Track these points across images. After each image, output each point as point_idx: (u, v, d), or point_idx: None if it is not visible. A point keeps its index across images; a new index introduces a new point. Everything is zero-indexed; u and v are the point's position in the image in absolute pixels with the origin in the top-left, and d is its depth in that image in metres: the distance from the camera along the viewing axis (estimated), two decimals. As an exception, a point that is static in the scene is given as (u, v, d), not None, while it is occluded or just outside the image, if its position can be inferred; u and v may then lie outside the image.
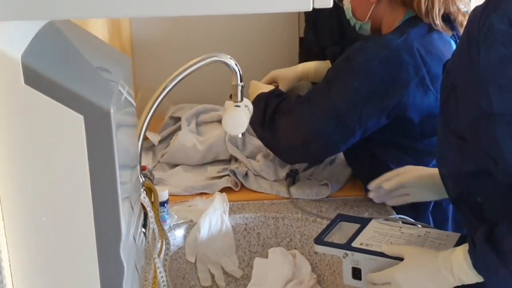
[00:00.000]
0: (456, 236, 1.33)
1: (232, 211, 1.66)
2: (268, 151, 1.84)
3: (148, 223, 1.13)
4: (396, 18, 1.60)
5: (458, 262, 1.17)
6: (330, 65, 1.95)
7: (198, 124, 2.04)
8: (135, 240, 0.96)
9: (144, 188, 1.18)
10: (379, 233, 1.35)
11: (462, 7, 1.60)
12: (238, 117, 1.28)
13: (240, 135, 1.37)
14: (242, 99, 1.28)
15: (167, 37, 2.39)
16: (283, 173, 1.80)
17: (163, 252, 1.28)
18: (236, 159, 1.90)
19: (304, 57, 2.19)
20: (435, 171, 1.37)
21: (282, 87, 1.90)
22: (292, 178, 1.77)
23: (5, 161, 0.78)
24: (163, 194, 1.53)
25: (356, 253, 1.29)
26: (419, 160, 1.63)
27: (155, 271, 1.19)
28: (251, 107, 1.32)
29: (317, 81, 1.94)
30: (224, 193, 1.69)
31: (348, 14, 1.66)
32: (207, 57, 1.24)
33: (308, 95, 1.67)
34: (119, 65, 0.96)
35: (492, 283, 1.16)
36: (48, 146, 0.78)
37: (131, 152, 0.97)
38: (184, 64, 1.26)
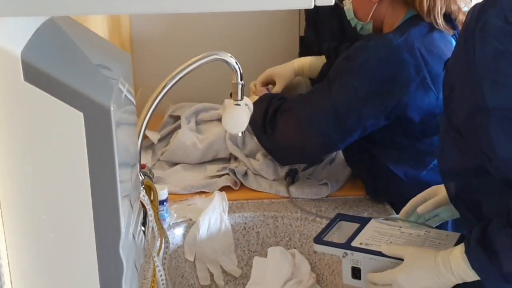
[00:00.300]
0: (455, 235, 1.32)
1: (231, 210, 1.65)
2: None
3: (147, 221, 1.13)
4: (398, 17, 1.60)
5: (457, 263, 1.17)
6: (325, 60, 1.96)
7: (197, 123, 2.04)
8: (134, 239, 0.95)
9: (143, 186, 1.17)
10: (378, 233, 1.35)
11: (463, 6, 1.59)
12: (238, 116, 1.28)
13: (240, 134, 1.37)
14: (242, 98, 1.28)
15: (167, 34, 2.38)
16: (282, 172, 1.79)
17: (162, 250, 1.27)
18: (235, 158, 1.89)
19: (304, 56, 2.18)
20: None
21: (279, 85, 1.90)
22: (291, 178, 1.77)
23: (4, 158, 0.78)
24: (162, 192, 1.53)
25: (355, 253, 1.29)
26: (419, 160, 1.63)
27: (154, 270, 1.19)
28: (251, 105, 1.31)
29: (312, 76, 1.94)
30: (223, 192, 1.69)
31: (350, 15, 1.66)
32: (207, 55, 1.23)
33: (309, 94, 1.67)
34: (119, 62, 0.96)
35: (488, 283, 1.16)
36: (47, 144, 0.77)
37: (130, 150, 0.96)
38: (184, 61, 1.25)
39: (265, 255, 1.60)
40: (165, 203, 1.55)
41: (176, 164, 1.90)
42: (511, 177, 1.08)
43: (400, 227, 1.38)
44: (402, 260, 1.24)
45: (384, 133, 1.62)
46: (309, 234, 1.62)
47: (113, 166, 0.80)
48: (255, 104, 1.71)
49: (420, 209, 1.41)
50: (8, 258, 0.82)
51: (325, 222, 1.56)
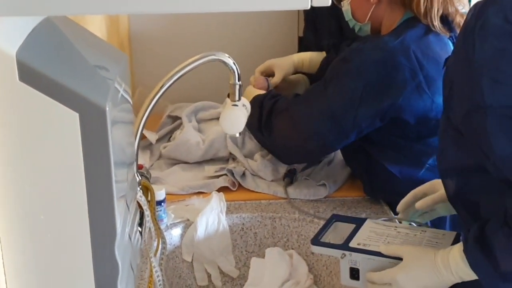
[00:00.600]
0: (452, 234, 1.32)
1: (229, 211, 1.65)
2: (266, 151, 1.84)
3: (144, 222, 1.13)
4: (396, 19, 1.60)
5: (456, 262, 1.17)
6: (325, 56, 1.96)
7: (197, 122, 2.04)
8: (130, 239, 0.95)
9: (140, 187, 1.17)
10: (375, 233, 1.35)
11: (461, 8, 1.59)
12: (236, 116, 1.28)
13: (237, 134, 1.36)
14: (240, 98, 1.28)
15: (165, 34, 2.38)
16: (280, 173, 1.79)
17: (159, 251, 1.27)
18: (234, 159, 1.89)
19: (302, 56, 2.19)
20: None
21: (278, 75, 1.90)
22: (289, 178, 1.77)
23: (-1, 158, 0.77)
24: (160, 193, 1.52)
25: (354, 253, 1.28)
26: (416, 160, 1.63)
27: (151, 270, 1.19)
28: (249, 106, 1.31)
29: (311, 71, 1.94)
30: (221, 193, 1.68)
31: (348, 16, 1.65)
32: (205, 55, 1.23)
33: (304, 95, 1.67)
34: (115, 62, 0.95)
35: (486, 282, 1.16)
36: (42, 144, 0.77)
37: (127, 151, 0.96)
38: (182, 61, 1.25)
39: (262, 256, 1.60)
40: (162, 203, 1.55)
41: (175, 162, 1.90)
42: (509, 176, 1.08)
43: (396, 227, 1.38)
44: (401, 260, 1.24)
45: (381, 134, 1.62)
46: (307, 235, 1.62)
47: (109, 166, 0.79)
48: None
49: (418, 205, 1.41)
50: (2, 258, 0.82)
51: (323, 223, 1.56)
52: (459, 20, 1.57)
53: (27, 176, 0.78)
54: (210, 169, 1.83)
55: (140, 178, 1.19)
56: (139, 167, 1.25)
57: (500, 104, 1.06)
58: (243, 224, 1.65)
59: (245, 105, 1.30)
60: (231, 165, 1.84)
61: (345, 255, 1.29)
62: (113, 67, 0.92)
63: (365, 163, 1.69)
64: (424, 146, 1.61)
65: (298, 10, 2.34)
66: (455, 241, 1.29)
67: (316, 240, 1.35)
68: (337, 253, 1.30)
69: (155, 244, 1.26)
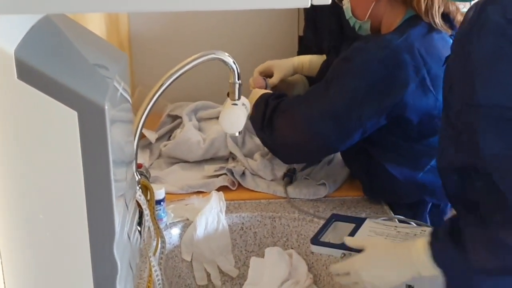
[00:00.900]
0: None
1: (228, 210, 1.65)
2: (266, 150, 1.84)
3: (143, 221, 1.12)
4: (397, 17, 1.59)
5: (418, 253, 1.18)
6: (325, 59, 1.96)
7: (197, 121, 2.04)
8: (129, 238, 0.95)
9: (140, 186, 1.17)
10: (375, 232, 1.35)
11: (462, 7, 1.59)
12: (235, 115, 1.27)
13: (237, 134, 1.36)
14: (239, 97, 1.27)
15: (165, 33, 2.38)
16: (280, 172, 1.79)
17: (158, 250, 1.27)
18: (233, 158, 1.89)
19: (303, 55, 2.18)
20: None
21: (276, 76, 1.90)
22: (289, 178, 1.76)
23: (-3, 157, 0.77)
24: (159, 192, 1.52)
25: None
26: (416, 161, 1.63)
27: (150, 270, 1.19)
28: (248, 105, 1.31)
29: (311, 74, 1.94)
30: (221, 192, 1.68)
31: (348, 13, 1.65)
32: (204, 54, 1.23)
33: (306, 95, 1.67)
34: (115, 61, 0.95)
35: (448, 277, 1.16)
36: (41, 142, 0.77)
37: (126, 149, 0.96)
38: (182, 60, 1.25)
39: (262, 255, 1.59)
40: (162, 202, 1.55)
41: (175, 161, 1.90)
42: (493, 175, 1.08)
43: (396, 226, 1.38)
44: None
45: (381, 134, 1.61)
46: (307, 234, 1.61)
47: (107, 165, 0.79)
48: (254, 105, 1.71)
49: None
50: (1, 257, 0.81)
51: (322, 222, 1.55)
52: (460, 19, 1.57)
53: (26, 175, 0.78)
54: (210, 169, 1.83)
55: (140, 177, 1.19)
56: (139, 166, 1.25)
57: (491, 103, 1.06)
58: (243, 223, 1.65)
59: (244, 104, 1.29)
60: (230, 165, 1.83)
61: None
62: (112, 66, 0.92)
63: (366, 164, 1.69)
64: (425, 147, 1.61)
65: (298, 9, 2.34)
66: None
67: (315, 240, 1.35)
68: (336, 252, 1.30)
69: (155, 243, 1.25)
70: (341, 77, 1.57)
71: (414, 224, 1.44)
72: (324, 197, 1.72)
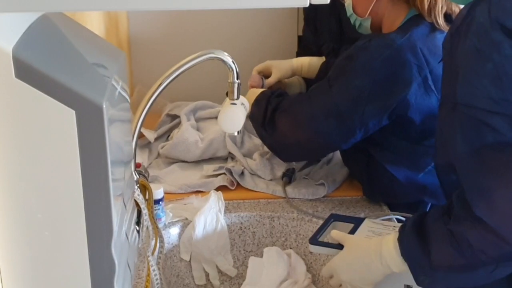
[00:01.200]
0: None
1: (227, 210, 1.65)
2: (265, 149, 1.84)
3: (142, 220, 1.12)
4: (398, 16, 1.59)
5: (388, 249, 1.19)
6: (324, 61, 1.96)
7: (196, 120, 2.03)
8: (127, 238, 0.94)
9: (138, 185, 1.17)
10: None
11: None
12: (234, 115, 1.27)
13: (236, 133, 1.36)
14: (238, 97, 1.27)
15: (165, 33, 2.38)
16: (279, 172, 1.79)
17: (157, 250, 1.27)
18: (232, 158, 1.89)
19: (302, 55, 2.17)
20: None
21: (274, 76, 1.90)
22: (288, 178, 1.76)
23: (-5, 156, 0.77)
24: (158, 191, 1.52)
25: None
26: (416, 162, 1.62)
27: (149, 269, 1.18)
28: (247, 105, 1.31)
29: (309, 76, 1.94)
30: (219, 192, 1.68)
31: (349, 10, 1.65)
32: (203, 53, 1.22)
33: (308, 93, 1.66)
34: (113, 60, 0.95)
35: (414, 272, 1.17)
36: (38, 141, 0.76)
37: (124, 149, 0.95)
38: (182, 60, 1.24)
39: (261, 255, 1.59)
40: (160, 202, 1.55)
41: (173, 162, 1.90)
42: (459, 173, 1.10)
43: (394, 226, 1.37)
44: None
45: (382, 135, 1.61)
46: (305, 234, 1.61)
47: (106, 165, 0.79)
48: (255, 102, 1.71)
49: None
50: (-2, 257, 0.81)
51: (321, 222, 1.55)
52: None
53: (23, 174, 0.78)
54: (209, 168, 1.83)
55: (138, 176, 1.19)
56: (137, 165, 1.25)
57: (467, 103, 1.08)
58: (242, 223, 1.65)
59: (243, 104, 1.29)
60: (229, 164, 1.83)
61: None
62: (111, 65, 0.92)
63: (366, 164, 1.68)
64: (426, 148, 1.61)
65: (298, 9, 2.34)
66: None
67: (314, 240, 1.35)
68: (335, 252, 1.30)
69: (153, 243, 1.25)
70: (344, 76, 1.57)
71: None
72: (323, 197, 1.72)
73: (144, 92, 1.37)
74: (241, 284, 1.56)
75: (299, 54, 2.24)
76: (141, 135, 1.92)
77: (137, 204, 1.11)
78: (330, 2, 0.79)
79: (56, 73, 0.75)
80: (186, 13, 2.33)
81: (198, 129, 1.99)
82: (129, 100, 1.00)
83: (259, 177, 1.79)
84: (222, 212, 1.63)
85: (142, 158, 1.89)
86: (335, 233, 1.31)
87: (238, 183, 1.77)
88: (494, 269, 1.10)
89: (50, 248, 0.82)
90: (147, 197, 1.20)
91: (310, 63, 1.96)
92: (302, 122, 1.60)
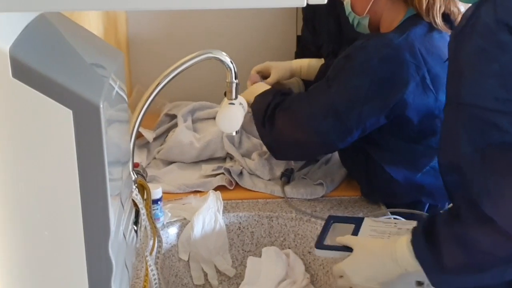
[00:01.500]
0: None
1: (226, 210, 1.65)
2: (264, 149, 1.84)
3: (140, 220, 1.12)
4: (397, 16, 1.60)
5: (402, 251, 1.19)
6: (324, 62, 1.96)
7: (194, 121, 2.03)
8: (125, 238, 0.94)
9: (136, 185, 1.17)
10: (376, 231, 1.34)
11: (463, 10, 1.59)
12: (232, 115, 1.27)
13: (234, 133, 1.36)
14: (236, 97, 1.27)
15: (164, 33, 2.38)
16: (278, 172, 1.79)
17: (155, 250, 1.26)
18: (231, 158, 1.89)
19: (301, 55, 2.18)
20: None
21: (273, 77, 1.90)
22: (287, 178, 1.76)
23: (-8, 156, 0.77)
24: (156, 191, 1.52)
25: None
26: (415, 162, 1.62)
27: (147, 269, 1.18)
28: (245, 104, 1.31)
29: (308, 78, 1.94)
30: (218, 192, 1.68)
31: (348, 8, 1.66)
32: (201, 53, 1.22)
33: (308, 93, 1.67)
34: (111, 60, 0.95)
35: (428, 273, 1.17)
36: (35, 141, 0.76)
37: (122, 149, 0.95)
38: (180, 60, 1.24)
39: (259, 255, 1.59)
40: (159, 202, 1.54)
41: (172, 162, 1.90)
42: (466, 173, 1.10)
43: (395, 224, 1.37)
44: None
45: (380, 135, 1.61)
46: (304, 234, 1.61)
47: (103, 164, 0.79)
48: (260, 96, 1.71)
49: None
50: (-5, 257, 0.81)
51: (320, 222, 1.55)
52: None
53: (20, 174, 0.78)
54: (207, 168, 1.83)
55: (136, 176, 1.19)
56: (135, 165, 1.25)
57: (471, 103, 1.08)
58: (240, 223, 1.65)
59: (241, 104, 1.29)
60: (228, 164, 1.83)
61: None
62: (109, 64, 0.92)
63: (364, 164, 1.68)
64: (424, 148, 1.61)
65: (297, 9, 2.33)
66: None
67: (320, 244, 1.33)
68: (343, 255, 1.29)
69: (151, 242, 1.25)
70: (343, 75, 1.57)
71: (403, 219, 1.44)
72: (322, 197, 1.72)
73: (143, 92, 1.37)
74: (240, 284, 1.56)
75: (298, 54, 2.24)
76: (139, 135, 1.92)
77: (135, 204, 1.11)
78: (328, 2, 0.80)
79: (53, 73, 0.75)
80: (185, 13, 2.33)
81: (195, 130, 1.98)
82: (127, 100, 1.00)
83: (258, 177, 1.79)
84: (221, 212, 1.63)
85: (140, 158, 1.89)
86: (341, 239, 1.31)
87: (236, 183, 1.76)
88: (506, 269, 1.10)
89: (47, 248, 0.81)
90: (145, 197, 1.20)
91: (310, 64, 1.96)
92: (301, 121, 1.60)
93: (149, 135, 1.97)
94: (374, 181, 1.67)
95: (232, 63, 1.24)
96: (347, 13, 1.67)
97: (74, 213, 0.80)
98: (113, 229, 0.83)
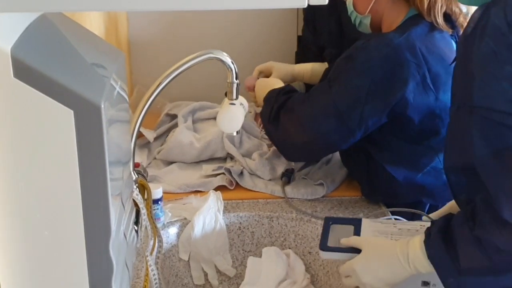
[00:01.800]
0: None
1: (226, 210, 1.65)
2: (265, 149, 1.84)
3: (140, 220, 1.12)
4: (398, 15, 1.60)
5: (414, 252, 1.19)
6: (327, 67, 1.96)
7: (194, 121, 2.04)
8: (125, 237, 0.95)
9: (137, 185, 1.17)
10: (378, 232, 1.34)
11: (464, 10, 1.60)
12: (233, 115, 1.27)
13: (235, 133, 1.36)
14: (237, 97, 1.27)
15: (164, 33, 2.38)
16: (278, 172, 1.79)
17: (155, 250, 1.27)
18: (231, 158, 1.89)
19: (301, 56, 2.18)
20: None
21: (273, 77, 1.90)
22: (287, 178, 1.76)
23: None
24: (157, 191, 1.52)
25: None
26: (415, 163, 1.63)
27: (147, 269, 1.19)
28: (246, 105, 1.31)
29: (312, 82, 1.94)
30: (218, 192, 1.68)
31: (350, 8, 1.66)
32: (202, 53, 1.22)
33: (309, 94, 1.67)
34: (112, 60, 0.95)
35: (442, 275, 1.16)
36: (37, 141, 0.77)
37: (123, 149, 0.96)
38: (181, 60, 1.24)
39: (259, 255, 1.60)
40: (159, 202, 1.55)
41: (172, 162, 1.90)
42: (481, 176, 1.09)
43: (394, 224, 1.37)
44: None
45: (381, 135, 1.61)
46: (304, 234, 1.61)
47: (104, 164, 0.79)
48: (266, 98, 1.72)
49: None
50: (-4, 256, 0.81)
51: (320, 222, 1.55)
52: (462, 21, 1.58)
53: (22, 173, 0.78)
54: (208, 168, 1.83)
55: (137, 176, 1.19)
56: (136, 165, 1.25)
57: (484, 105, 1.08)
58: (240, 223, 1.65)
59: (242, 104, 1.29)
60: (229, 164, 1.83)
61: None
62: (110, 65, 0.92)
63: (365, 164, 1.69)
64: (425, 148, 1.61)
65: (298, 9, 2.34)
66: None
67: (324, 246, 1.33)
68: (349, 257, 1.28)
69: (152, 242, 1.25)
70: (344, 76, 1.57)
71: (403, 219, 1.44)
72: (322, 197, 1.72)
73: (143, 92, 1.37)
74: (240, 284, 1.56)
75: (299, 54, 2.24)
76: (140, 135, 1.92)
77: (135, 204, 1.11)
78: (329, 2, 0.80)
79: (55, 73, 0.75)
80: (186, 13, 2.33)
81: (195, 130, 1.99)
82: (128, 100, 1.00)
83: (258, 177, 1.79)
84: (221, 212, 1.63)
85: (141, 157, 1.90)
86: (348, 241, 1.30)
87: (237, 183, 1.77)
88: None
89: (48, 248, 0.82)
90: (145, 196, 1.20)
91: (313, 69, 1.96)
92: (303, 122, 1.61)
93: (149, 135, 1.97)
94: (375, 181, 1.68)
95: (233, 63, 1.24)
96: (349, 12, 1.67)
97: (75, 213, 0.80)
98: (113, 229, 0.83)
